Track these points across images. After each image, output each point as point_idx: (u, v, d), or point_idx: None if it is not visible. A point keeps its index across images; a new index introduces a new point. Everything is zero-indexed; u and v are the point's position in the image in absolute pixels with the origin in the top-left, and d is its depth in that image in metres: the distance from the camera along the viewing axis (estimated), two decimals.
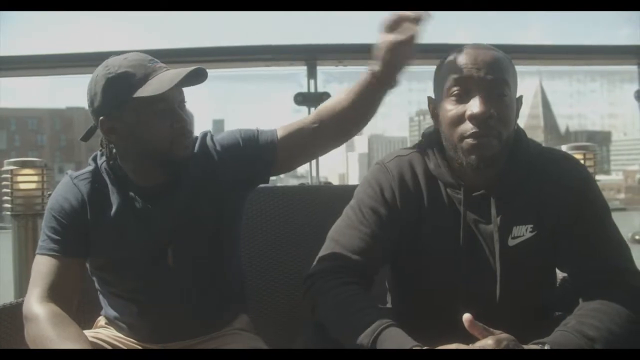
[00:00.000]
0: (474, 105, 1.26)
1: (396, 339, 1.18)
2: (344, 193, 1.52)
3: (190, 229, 1.43)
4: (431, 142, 1.40)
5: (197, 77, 1.37)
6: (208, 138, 1.50)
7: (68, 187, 1.45)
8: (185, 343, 1.50)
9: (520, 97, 1.37)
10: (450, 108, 1.30)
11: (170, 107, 1.35)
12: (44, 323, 1.31)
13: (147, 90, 1.31)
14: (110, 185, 1.43)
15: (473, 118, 1.26)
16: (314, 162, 2.88)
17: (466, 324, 1.16)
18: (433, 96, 1.39)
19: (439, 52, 2.96)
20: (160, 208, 1.42)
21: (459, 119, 1.28)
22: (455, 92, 1.29)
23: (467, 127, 1.27)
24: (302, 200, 1.91)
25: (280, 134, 1.47)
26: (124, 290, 1.48)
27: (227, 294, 1.52)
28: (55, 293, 1.37)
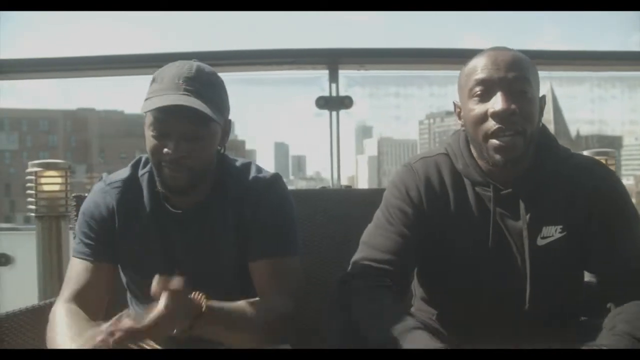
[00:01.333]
0: (496, 103, 1.29)
1: (423, 341, 1.20)
2: (365, 196, 1.53)
3: (209, 258, 1.42)
4: (458, 143, 1.42)
5: (197, 118, 1.32)
6: (264, 184, 1.45)
7: (101, 192, 1.46)
8: None
9: (544, 96, 1.38)
10: (473, 108, 1.33)
11: (166, 132, 1.32)
12: (60, 322, 1.33)
13: (146, 104, 1.32)
14: (145, 197, 1.43)
15: (495, 115, 1.29)
16: (335, 167, 2.89)
17: None
18: (458, 100, 1.41)
19: (447, 57, 3.04)
20: (187, 233, 1.42)
21: (482, 118, 1.31)
22: (478, 92, 1.32)
23: (490, 124, 1.30)
24: (323, 203, 1.91)
25: (253, 269, 1.42)
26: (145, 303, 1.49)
27: None
28: (82, 296, 1.39)
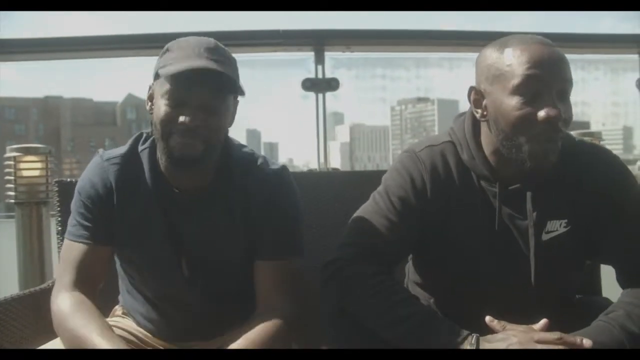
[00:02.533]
0: (550, 108, 1.20)
1: (445, 329, 1.19)
2: (350, 179, 1.50)
3: (213, 244, 1.39)
4: (463, 131, 1.36)
5: (233, 91, 1.34)
6: (273, 180, 1.41)
7: (98, 169, 1.40)
8: (200, 342, 1.47)
9: None
10: (519, 107, 1.22)
11: (183, 101, 1.29)
12: (72, 315, 1.29)
13: (164, 70, 1.28)
14: (147, 174, 1.38)
15: (548, 122, 1.20)
16: (322, 149, 2.88)
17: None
18: (479, 86, 1.32)
19: (424, 39, 3.03)
20: (189, 216, 1.38)
21: (529, 119, 1.22)
22: (525, 90, 1.22)
23: (539, 129, 1.22)
24: (311, 185, 1.85)
25: (259, 268, 1.40)
26: (142, 288, 1.46)
27: (245, 297, 1.44)
28: (84, 282, 1.35)
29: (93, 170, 1.40)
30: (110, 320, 1.50)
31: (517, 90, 1.22)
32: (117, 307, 1.57)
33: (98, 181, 1.38)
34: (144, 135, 1.43)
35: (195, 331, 1.46)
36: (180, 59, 1.27)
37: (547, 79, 1.21)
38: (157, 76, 1.33)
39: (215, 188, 1.38)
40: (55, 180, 1.78)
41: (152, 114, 1.34)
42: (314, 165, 3.01)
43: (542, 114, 1.20)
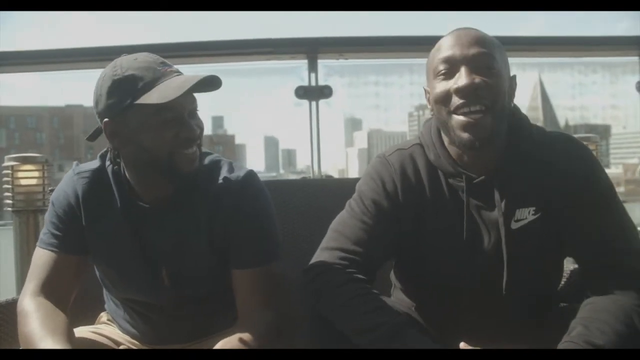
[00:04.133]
0: (459, 79, 1.26)
1: (412, 340, 1.18)
2: (344, 186, 1.50)
3: (186, 253, 1.38)
4: (430, 132, 1.39)
5: (209, 85, 1.31)
6: (239, 185, 1.39)
7: (70, 182, 1.41)
8: (184, 345, 1.48)
9: (514, 76, 1.35)
10: (438, 87, 1.29)
11: (178, 116, 1.27)
12: (31, 317, 1.29)
13: (152, 97, 1.23)
14: (114, 190, 1.38)
15: (459, 91, 1.26)
16: (315, 157, 2.89)
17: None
18: (427, 85, 1.38)
19: (417, 45, 3.02)
20: (158, 228, 1.37)
21: (446, 95, 1.28)
22: (442, 70, 1.29)
23: (454, 100, 1.27)
24: (305, 193, 1.89)
25: (236, 277, 1.39)
26: (121, 297, 1.47)
27: (224, 299, 1.44)
28: (50, 288, 1.35)
29: (66, 183, 1.42)
30: (93, 327, 1.52)
31: (436, 73, 1.30)
32: (102, 313, 1.59)
33: (70, 193, 1.39)
34: (109, 150, 1.40)
35: (179, 335, 1.47)
36: (157, 81, 1.26)
37: (456, 56, 1.28)
38: (127, 109, 1.27)
39: (180, 197, 1.37)
40: (50, 188, 1.81)
41: (125, 148, 1.32)
42: (332, 172, 3.02)
43: (454, 85, 1.26)
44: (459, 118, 1.27)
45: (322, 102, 2.92)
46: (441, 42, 1.32)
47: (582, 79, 3.49)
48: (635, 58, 3.32)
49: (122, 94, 1.26)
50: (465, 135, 1.26)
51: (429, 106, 1.36)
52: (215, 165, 1.42)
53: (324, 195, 1.85)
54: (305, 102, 2.90)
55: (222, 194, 1.37)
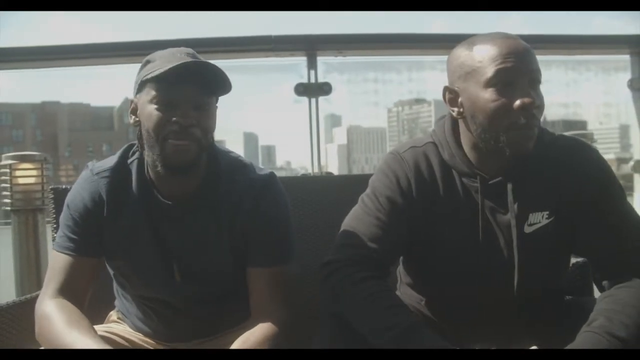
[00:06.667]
0: (524, 96, 1.25)
1: (426, 339, 1.18)
2: (346, 182, 1.51)
3: (205, 251, 1.40)
4: (443, 131, 1.39)
5: (221, 87, 1.34)
6: (261, 186, 1.41)
7: (87, 183, 1.41)
8: (196, 341, 1.48)
9: None
10: (494, 98, 1.26)
11: (176, 101, 1.29)
12: (55, 318, 1.31)
13: (150, 75, 1.29)
14: (134, 185, 1.39)
15: (523, 109, 1.25)
16: (315, 154, 2.89)
17: None
18: (452, 85, 1.35)
19: (416, 42, 3.04)
20: (179, 225, 1.39)
21: (505, 109, 1.26)
22: (498, 82, 1.26)
23: (515, 117, 1.26)
24: (306, 190, 1.87)
25: (252, 275, 1.41)
26: (135, 294, 1.47)
27: (239, 298, 1.45)
28: (68, 290, 1.37)
29: (82, 185, 1.42)
30: (104, 326, 1.52)
31: (490, 83, 1.27)
32: (112, 312, 1.59)
33: (87, 195, 1.40)
34: (134, 146, 1.43)
35: (192, 332, 1.47)
36: (164, 64, 1.28)
37: (517, 69, 1.26)
38: (140, 87, 1.33)
39: (202, 195, 1.39)
40: (50, 187, 1.79)
41: (137, 126, 1.35)
42: (310, 169, 3.03)
43: (517, 102, 1.25)
44: (515, 132, 1.27)
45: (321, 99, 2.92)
46: (491, 49, 1.28)
47: (573, 77, 3.53)
48: (627, 56, 3.37)
49: (139, 74, 1.34)
50: (516, 148, 1.28)
51: (451, 108, 1.35)
52: (237, 165, 1.43)
53: (325, 191, 1.86)
54: (304, 99, 2.90)
55: (244, 195, 1.39)
